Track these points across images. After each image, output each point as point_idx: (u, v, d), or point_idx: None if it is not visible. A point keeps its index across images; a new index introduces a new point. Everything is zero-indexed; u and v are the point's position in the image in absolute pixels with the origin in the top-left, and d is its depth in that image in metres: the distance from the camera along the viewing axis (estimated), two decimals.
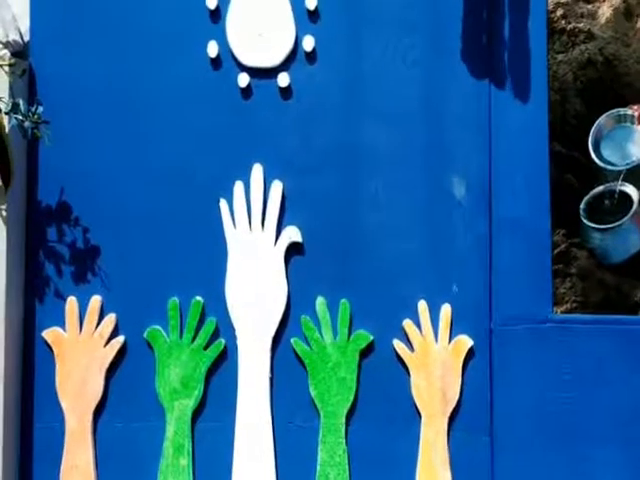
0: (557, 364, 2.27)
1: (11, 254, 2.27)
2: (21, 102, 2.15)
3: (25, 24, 2.37)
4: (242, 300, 2.30)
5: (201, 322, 2.31)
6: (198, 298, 2.31)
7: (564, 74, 2.62)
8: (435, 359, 2.28)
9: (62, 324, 2.31)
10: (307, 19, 2.35)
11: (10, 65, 2.22)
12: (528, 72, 2.34)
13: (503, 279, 2.30)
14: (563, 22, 2.66)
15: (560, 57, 2.64)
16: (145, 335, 2.31)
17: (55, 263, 2.34)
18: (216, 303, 2.31)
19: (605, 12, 2.68)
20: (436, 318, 2.29)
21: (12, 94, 2.22)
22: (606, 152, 2.56)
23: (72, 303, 2.32)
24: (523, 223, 2.31)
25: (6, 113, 2.16)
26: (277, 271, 2.31)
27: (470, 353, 2.29)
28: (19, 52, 2.34)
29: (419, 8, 2.35)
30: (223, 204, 2.33)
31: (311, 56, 2.35)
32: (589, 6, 2.71)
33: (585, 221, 2.52)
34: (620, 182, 2.53)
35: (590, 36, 2.66)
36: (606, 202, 2.55)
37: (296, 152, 2.33)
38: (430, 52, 2.34)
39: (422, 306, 2.29)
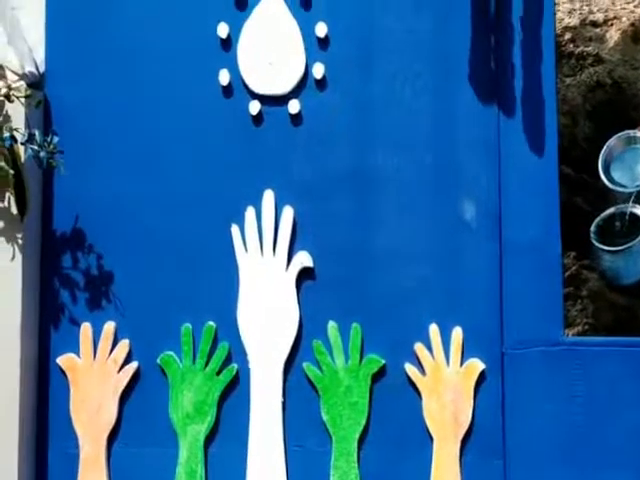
0: (569, 387, 2.25)
1: (26, 281, 2.30)
2: (37, 133, 2.19)
3: (40, 55, 2.41)
4: (254, 325, 2.32)
5: (214, 347, 2.32)
6: (210, 323, 2.32)
7: (573, 97, 2.63)
8: (447, 383, 2.28)
9: (76, 350, 2.34)
10: (317, 46, 2.37)
11: (26, 97, 2.26)
12: (537, 96, 2.33)
13: (514, 302, 2.29)
14: (571, 46, 2.67)
15: (569, 80, 2.65)
16: (158, 361, 2.32)
17: (69, 290, 2.37)
18: (228, 328, 2.32)
19: (613, 35, 2.69)
20: (447, 342, 2.29)
21: (28, 125, 2.26)
22: (616, 174, 2.55)
23: (86, 329, 2.34)
24: (533, 246, 2.29)
25: (22, 143, 2.20)
26: (289, 296, 2.32)
27: (482, 376, 2.27)
28: (35, 83, 2.36)
29: (428, 35, 2.36)
30: (235, 230, 2.34)
31: (321, 83, 2.37)
32: (597, 30, 2.72)
33: (596, 243, 2.51)
34: (631, 204, 2.53)
35: (598, 59, 2.67)
36: (617, 224, 2.54)
37: (307, 178, 2.35)
38: (439, 77, 2.35)
39: (433, 330, 2.29)
